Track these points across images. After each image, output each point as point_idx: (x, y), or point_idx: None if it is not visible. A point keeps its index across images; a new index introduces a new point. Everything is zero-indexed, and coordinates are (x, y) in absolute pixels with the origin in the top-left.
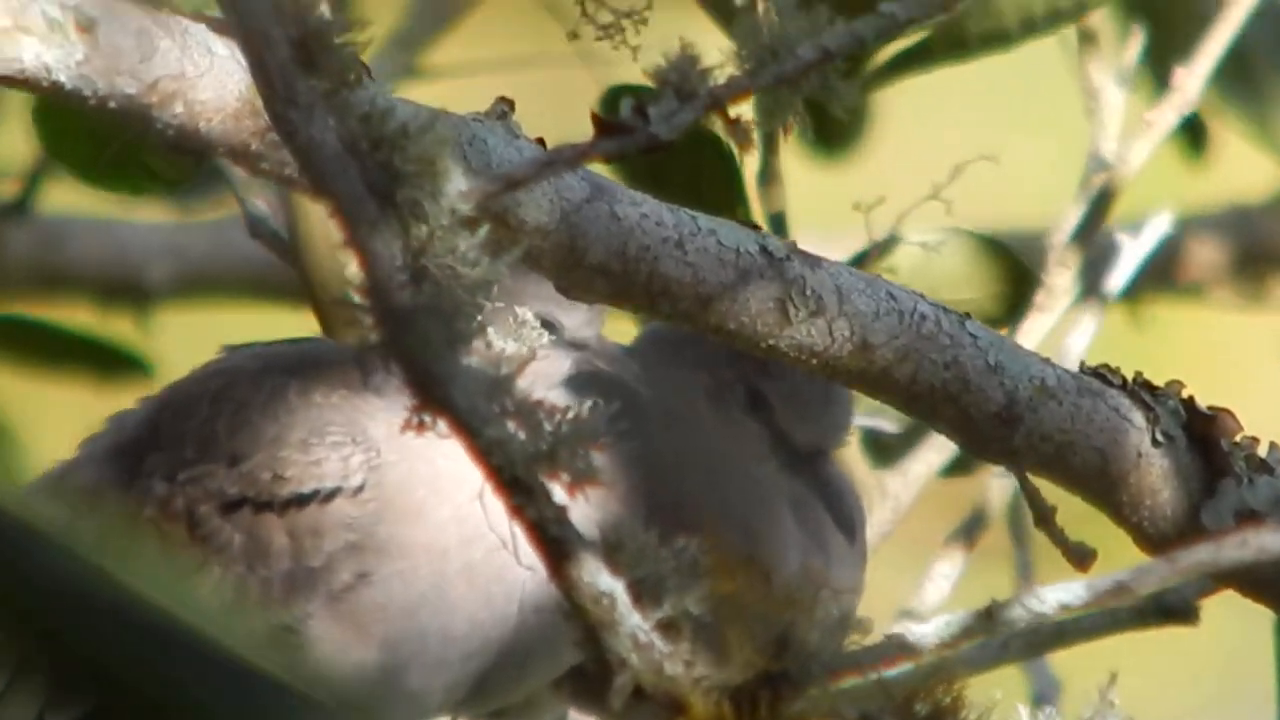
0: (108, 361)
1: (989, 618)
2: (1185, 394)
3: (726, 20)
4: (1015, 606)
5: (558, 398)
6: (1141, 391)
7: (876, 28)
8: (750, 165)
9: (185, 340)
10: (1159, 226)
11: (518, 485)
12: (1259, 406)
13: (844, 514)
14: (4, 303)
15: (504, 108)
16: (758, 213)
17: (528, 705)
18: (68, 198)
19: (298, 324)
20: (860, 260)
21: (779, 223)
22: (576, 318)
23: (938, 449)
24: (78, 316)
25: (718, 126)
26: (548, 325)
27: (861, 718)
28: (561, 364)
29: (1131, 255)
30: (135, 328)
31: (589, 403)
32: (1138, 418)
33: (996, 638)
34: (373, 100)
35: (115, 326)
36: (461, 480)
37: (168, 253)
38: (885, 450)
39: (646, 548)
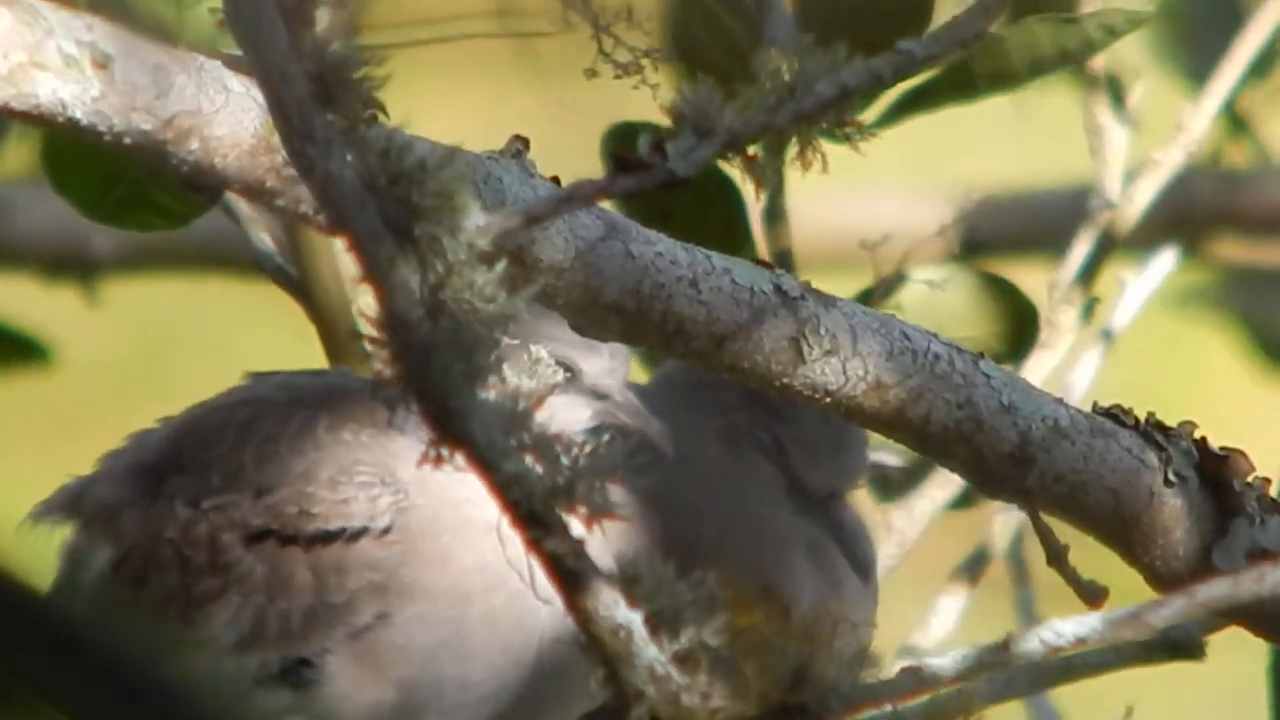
0: (4, 347)
1: (1004, 650)
2: (1197, 434)
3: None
4: (1031, 639)
5: (576, 438)
6: (1154, 432)
7: (895, 65)
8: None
9: (132, 311)
10: (1164, 264)
11: (535, 519)
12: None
13: (859, 555)
14: None
15: (519, 146)
16: (763, 250)
17: None
18: (12, 168)
19: (242, 294)
20: (866, 298)
21: (785, 260)
22: (598, 364)
23: (943, 485)
24: (23, 288)
25: (733, 164)
26: (567, 370)
27: None
28: (581, 410)
29: (1136, 292)
30: (82, 299)
31: (606, 437)
32: (1150, 458)
33: (1005, 672)
34: (390, 136)
35: (60, 297)
36: (488, 527)
37: None
38: (890, 486)
39: (663, 580)
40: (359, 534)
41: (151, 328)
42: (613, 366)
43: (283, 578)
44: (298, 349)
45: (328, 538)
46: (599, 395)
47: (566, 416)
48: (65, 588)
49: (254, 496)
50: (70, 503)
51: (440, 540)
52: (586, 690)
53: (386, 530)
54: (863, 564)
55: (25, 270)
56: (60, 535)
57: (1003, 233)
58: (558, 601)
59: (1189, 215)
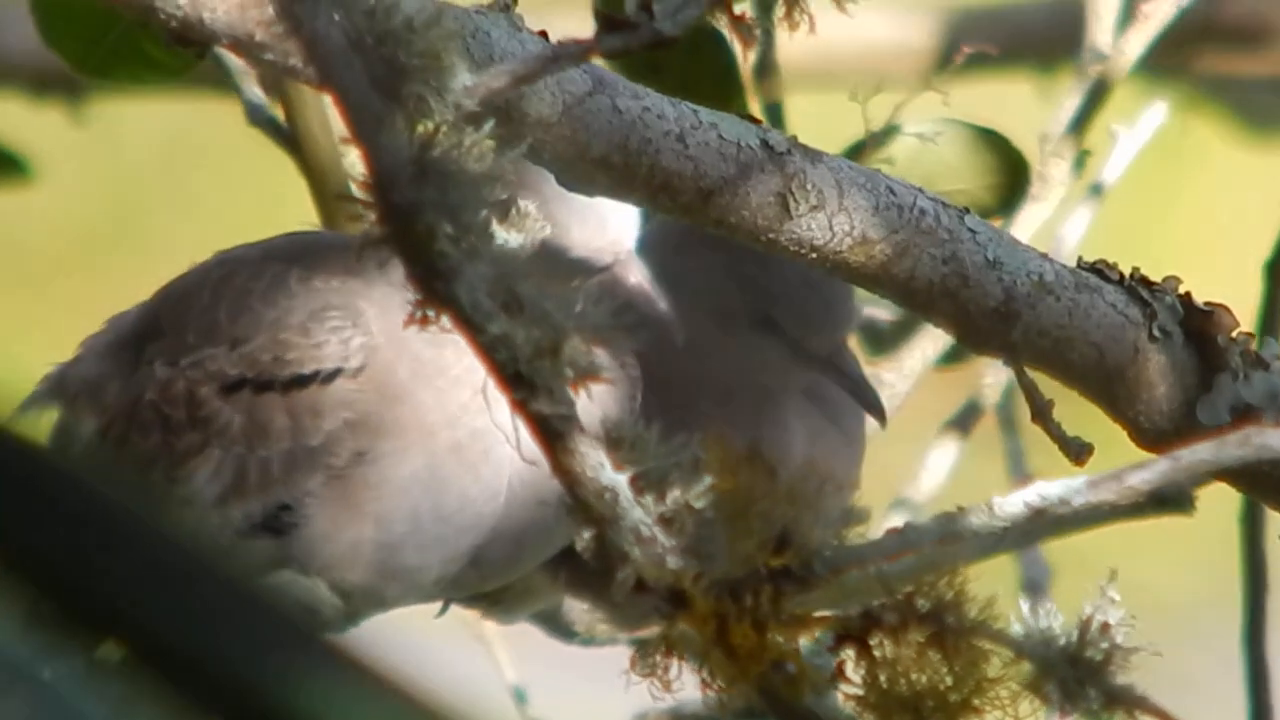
0: None
1: (989, 512)
2: (1182, 289)
3: None
4: (1014, 501)
5: (570, 299)
6: (1139, 287)
7: None
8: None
9: (117, 128)
10: (1154, 117)
11: (520, 380)
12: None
13: (869, 399)
14: None
15: (506, 0)
16: (754, 106)
17: (524, 593)
18: None
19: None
20: (857, 151)
21: (775, 113)
22: (598, 227)
23: (933, 340)
24: (11, 107)
25: (720, 22)
26: (562, 235)
27: (863, 613)
28: (575, 271)
29: (1127, 146)
30: (68, 117)
31: (594, 298)
32: (1135, 313)
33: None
34: None
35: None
36: (443, 366)
37: None
38: (880, 340)
39: (648, 443)
40: (333, 375)
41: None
42: (613, 226)
43: (260, 425)
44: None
45: (302, 381)
46: (598, 256)
47: (561, 276)
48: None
49: (229, 348)
50: (54, 388)
51: (399, 377)
52: (566, 524)
53: (360, 369)
54: (874, 405)
55: (13, 89)
56: (48, 421)
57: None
58: (543, 462)
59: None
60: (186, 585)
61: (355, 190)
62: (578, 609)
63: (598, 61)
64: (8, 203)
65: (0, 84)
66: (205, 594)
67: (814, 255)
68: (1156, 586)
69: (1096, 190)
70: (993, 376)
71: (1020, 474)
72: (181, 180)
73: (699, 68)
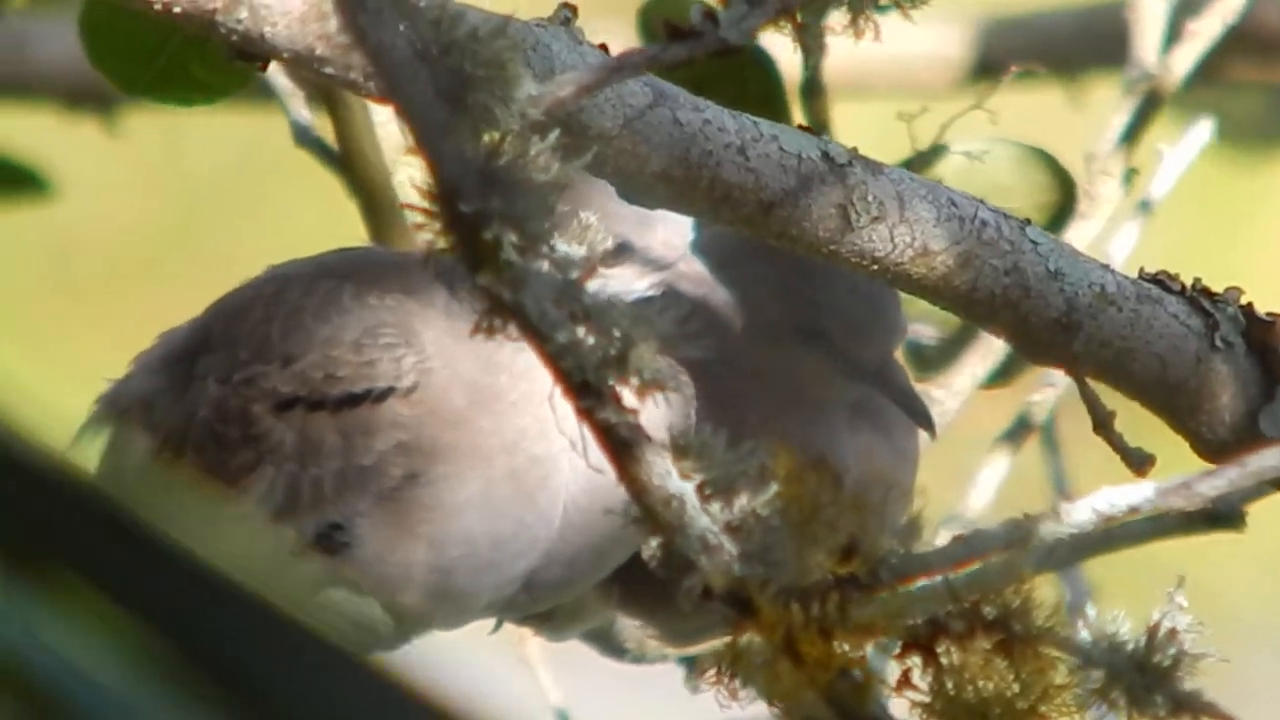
0: (4, 178)
1: (1056, 519)
2: (1244, 300)
3: None
4: (1082, 508)
5: (636, 308)
6: (1200, 298)
7: None
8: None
9: (151, 142)
10: (1200, 135)
11: (587, 389)
12: None
13: (918, 410)
14: None
15: (567, 13)
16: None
17: (576, 610)
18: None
19: (262, 124)
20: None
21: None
22: (654, 238)
23: (982, 359)
24: (43, 120)
25: (783, 31)
26: (623, 246)
27: (929, 620)
28: (639, 280)
29: (1173, 163)
30: (101, 130)
31: (659, 307)
32: (1197, 324)
33: (1047, 542)
34: (442, 5)
35: (80, 129)
36: (499, 392)
37: None
38: (927, 359)
39: (715, 451)
40: (384, 394)
41: (169, 161)
42: (669, 238)
43: (312, 443)
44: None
45: (354, 400)
46: (658, 266)
47: (624, 286)
48: (105, 481)
49: (281, 366)
50: (108, 406)
51: (456, 402)
52: (620, 549)
53: (412, 389)
54: (923, 417)
55: (46, 102)
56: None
57: (1050, 52)
58: (609, 471)
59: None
60: (231, 609)
61: (418, 200)
62: (629, 626)
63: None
64: (65, 216)
65: (34, 98)
66: (252, 617)
67: (875, 267)
68: (1224, 593)
69: (1144, 207)
70: (1040, 394)
71: (1064, 493)
72: (240, 193)
73: (745, 87)
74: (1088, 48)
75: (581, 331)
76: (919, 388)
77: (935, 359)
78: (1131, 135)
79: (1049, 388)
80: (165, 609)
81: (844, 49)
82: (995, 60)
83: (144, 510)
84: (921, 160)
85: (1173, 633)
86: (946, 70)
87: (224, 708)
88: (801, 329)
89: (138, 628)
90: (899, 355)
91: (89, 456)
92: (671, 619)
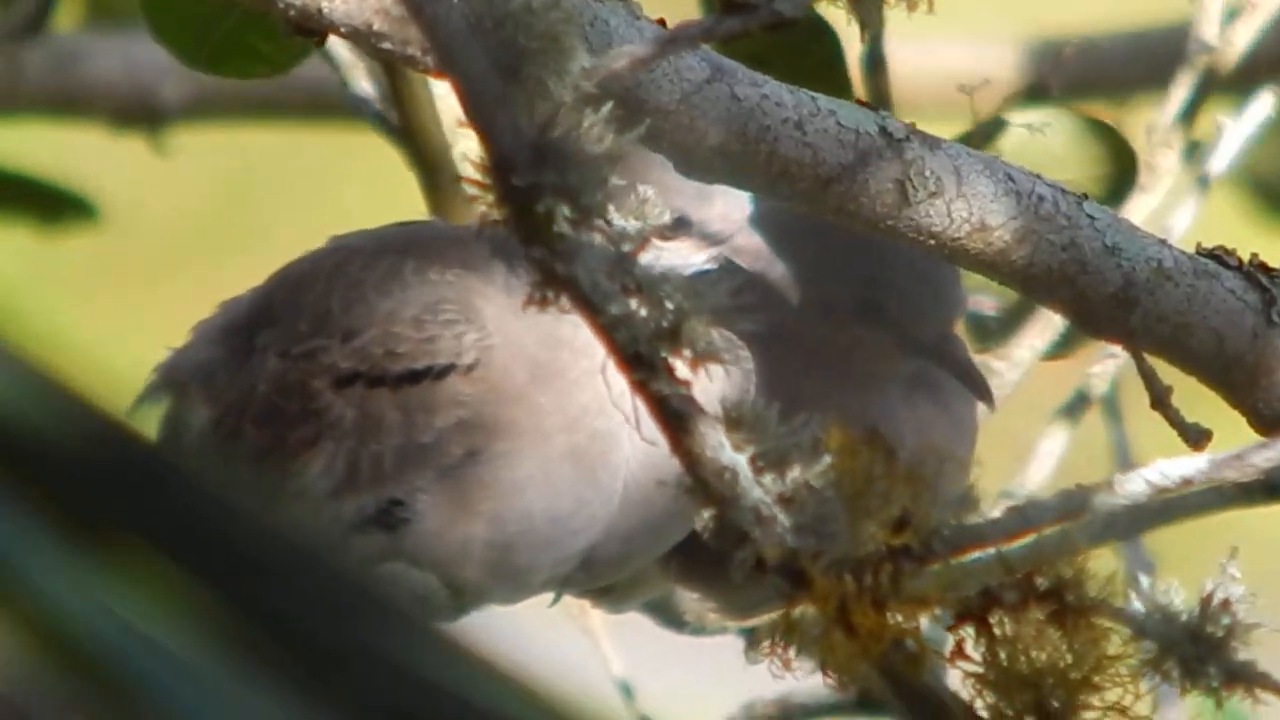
0: (50, 204)
1: (1109, 490)
2: None
3: None
4: (1136, 480)
5: (689, 281)
6: (1257, 273)
7: None
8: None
9: (199, 160)
10: (1261, 108)
11: (640, 361)
12: None
13: (977, 382)
14: (18, 123)
15: None
16: (861, 98)
17: (635, 583)
18: (82, 16)
19: (312, 141)
20: (965, 143)
21: (884, 107)
22: (711, 211)
23: (1041, 331)
24: (91, 137)
25: (838, 5)
26: (681, 220)
27: (983, 591)
28: (695, 254)
29: (1234, 137)
30: (149, 148)
31: (713, 279)
32: (1253, 299)
33: (1105, 514)
34: None
35: (129, 146)
36: (560, 368)
37: (181, 71)
38: (987, 331)
39: (768, 423)
40: (445, 371)
41: (227, 179)
42: (727, 211)
43: (373, 419)
44: (375, 201)
45: (415, 377)
46: (716, 240)
47: (680, 262)
48: (166, 451)
49: (341, 341)
50: (166, 376)
51: (517, 379)
52: (678, 525)
53: (472, 367)
54: (981, 389)
55: (94, 119)
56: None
57: (1100, 76)
58: (661, 443)
59: None
60: (297, 574)
61: (472, 173)
62: (688, 598)
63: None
64: (122, 196)
65: (82, 115)
66: (316, 583)
67: (932, 242)
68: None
69: (1204, 181)
70: (1100, 366)
71: (1126, 465)
72: (297, 174)
73: (805, 60)
74: (1140, 72)
75: (634, 304)
76: (978, 359)
77: (995, 331)
78: (1192, 108)
79: (1110, 359)
80: (232, 575)
81: (915, 63)
82: (1044, 83)
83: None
84: (981, 132)
85: (1226, 603)
86: (994, 94)
87: (292, 675)
88: (860, 304)
89: (206, 595)
90: (958, 327)
91: (146, 426)
92: (729, 591)
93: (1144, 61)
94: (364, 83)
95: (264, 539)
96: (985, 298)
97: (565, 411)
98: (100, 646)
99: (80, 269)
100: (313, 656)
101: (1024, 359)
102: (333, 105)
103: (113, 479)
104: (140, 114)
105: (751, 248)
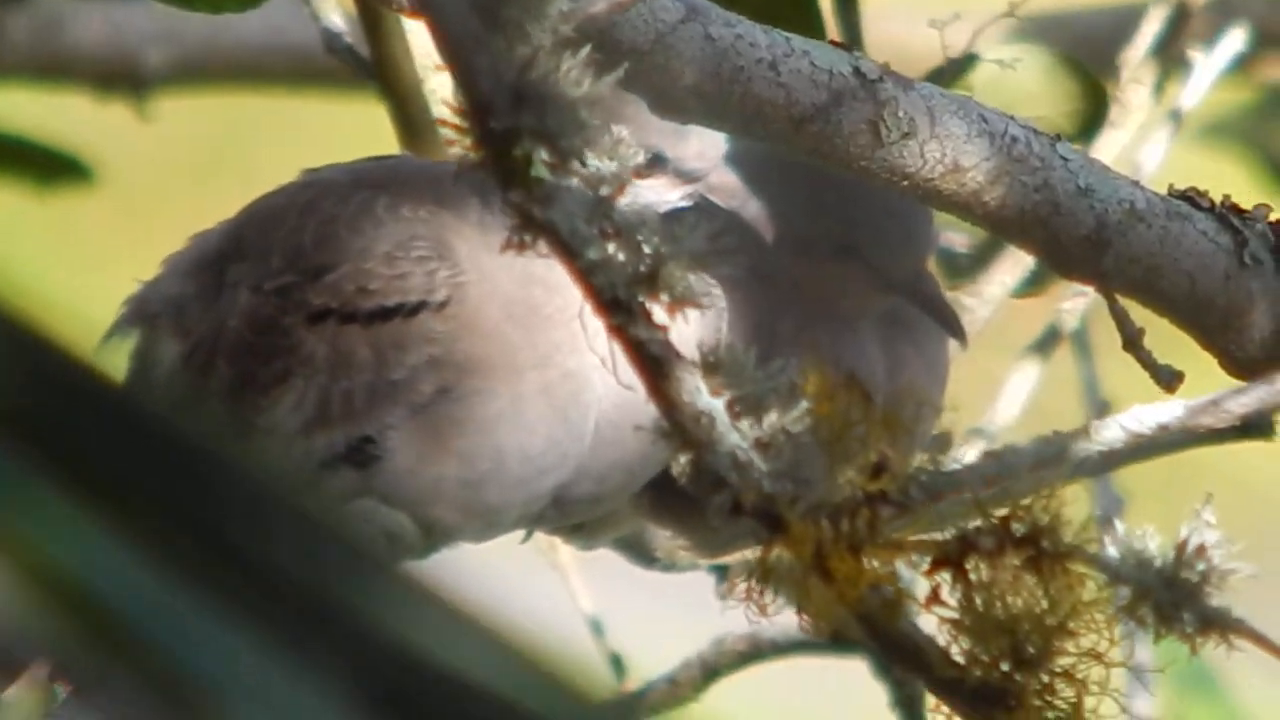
0: (46, 166)
1: (1086, 436)
2: (1273, 217)
3: None
4: (1111, 425)
5: (667, 224)
6: (1229, 215)
7: None
8: None
9: (184, 125)
10: (1232, 43)
11: (618, 305)
12: None
13: (950, 321)
14: (3, 88)
15: None
16: (832, 36)
17: (606, 520)
18: None
19: (294, 107)
20: (936, 79)
21: (853, 45)
22: (688, 149)
23: (1012, 267)
24: (76, 102)
25: None
26: (656, 158)
27: (959, 537)
28: (671, 194)
29: (1205, 72)
30: (134, 112)
31: (691, 223)
32: (1226, 241)
33: (1075, 459)
34: None
35: (112, 112)
36: (534, 306)
37: (166, 37)
38: (958, 268)
39: (745, 367)
40: (417, 308)
41: (210, 144)
42: (703, 149)
43: (343, 356)
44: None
45: (386, 314)
46: (692, 178)
47: (656, 199)
48: (136, 388)
49: (313, 277)
50: (138, 310)
51: (491, 317)
52: (650, 465)
53: (444, 304)
54: (954, 327)
55: (79, 84)
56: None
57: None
58: (639, 387)
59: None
60: (261, 512)
61: (449, 115)
62: (659, 535)
63: None
64: (109, 134)
65: (67, 80)
66: (280, 522)
67: (905, 183)
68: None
69: (1175, 117)
70: (1071, 303)
71: (1095, 401)
72: (282, 139)
73: (777, 1)
74: (1123, 44)
75: (612, 248)
76: (950, 296)
77: (967, 267)
78: (1164, 44)
79: (1080, 296)
80: (200, 516)
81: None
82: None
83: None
84: (953, 68)
85: (1201, 549)
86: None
87: (258, 614)
88: (833, 242)
89: (175, 536)
90: (931, 264)
91: (117, 359)
92: (700, 529)
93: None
94: (335, 17)
95: (235, 482)
96: (957, 235)
97: (537, 348)
98: (90, 591)
99: (66, 231)
100: (286, 602)
101: (995, 295)
102: (317, 70)
103: (83, 424)
104: (124, 79)
105: (727, 186)
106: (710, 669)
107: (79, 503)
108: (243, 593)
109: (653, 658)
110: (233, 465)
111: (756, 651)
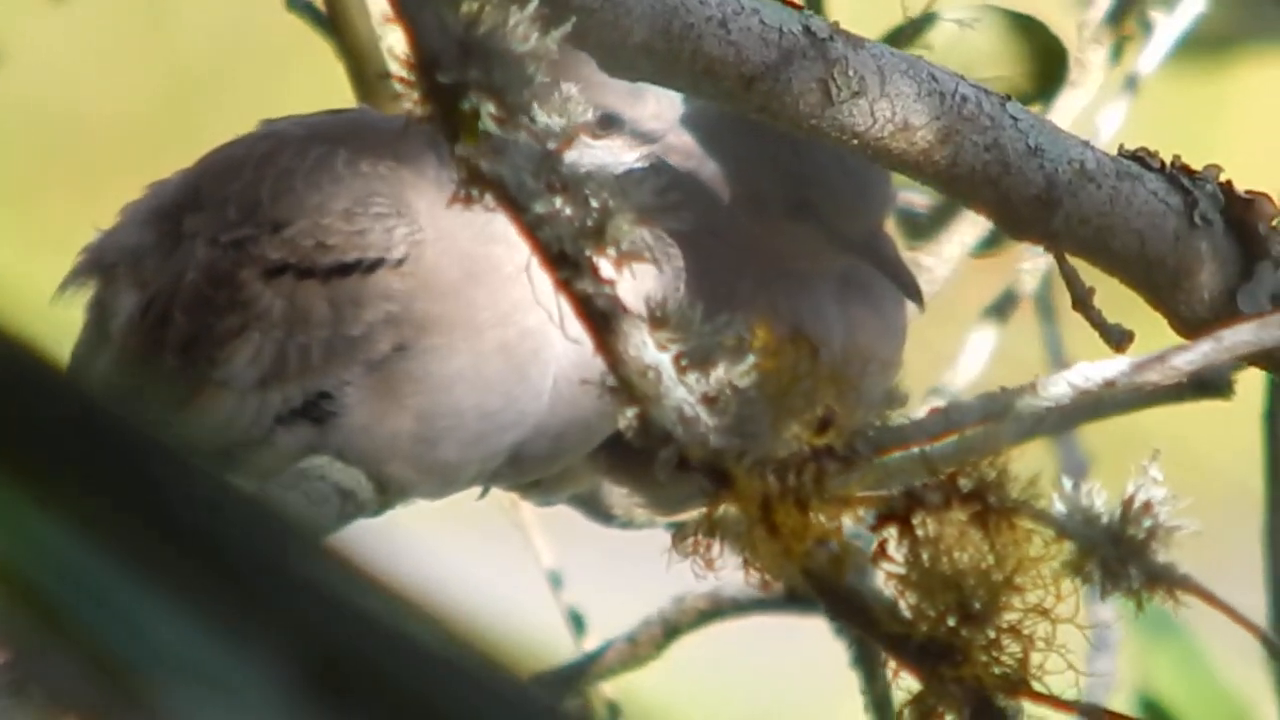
0: None
1: (1032, 393)
2: (1223, 178)
3: None
4: (1058, 382)
5: (614, 179)
6: (1180, 175)
7: None
8: None
9: (139, 65)
10: (1193, 5)
11: (565, 260)
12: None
13: (905, 280)
14: None
15: None
16: None
17: (563, 477)
18: None
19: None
20: (895, 38)
21: (814, 3)
22: (644, 109)
23: (971, 227)
24: None
25: None
26: (612, 118)
27: (906, 492)
28: (626, 152)
29: (1165, 33)
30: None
31: (638, 178)
32: (1176, 201)
33: (1023, 416)
34: None
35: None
36: (495, 263)
37: None
38: (918, 227)
39: (692, 322)
40: (375, 265)
41: (165, 84)
42: (659, 110)
43: (301, 311)
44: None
45: (344, 270)
46: (647, 138)
47: (612, 161)
48: (92, 339)
49: (271, 231)
50: (95, 259)
51: (450, 274)
52: (607, 423)
53: (402, 261)
54: (911, 288)
55: None
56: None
57: None
58: (586, 342)
59: None
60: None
61: (397, 70)
62: (616, 493)
63: None
64: (62, 105)
65: None
66: (215, 499)
67: (855, 142)
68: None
69: (1134, 79)
70: (1031, 263)
71: (1058, 361)
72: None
73: None
74: (1083, 4)
75: (559, 202)
76: (909, 257)
77: (926, 227)
78: (1124, 4)
79: (1040, 257)
80: (135, 494)
81: None
82: None
83: (119, 393)
84: (913, 27)
85: (1147, 506)
86: None
87: (193, 591)
88: (790, 201)
89: (109, 515)
90: (890, 225)
91: (72, 310)
92: (657, 487)
93: None
94: None
95: (170, 461)
96: (916, 195)
97: (497, 306)
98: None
99: (19, 176)
100: (221, 579)
101: (953, 255)
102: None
103: (20, 403)
104: None
105: (682, 146)
106: (671, 627)
107: (9, 482)
108: (177, 570)
109: (614, 616)
110: (168, 445)
111: (717, 609)
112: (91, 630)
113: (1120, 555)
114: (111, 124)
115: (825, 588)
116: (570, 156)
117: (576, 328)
